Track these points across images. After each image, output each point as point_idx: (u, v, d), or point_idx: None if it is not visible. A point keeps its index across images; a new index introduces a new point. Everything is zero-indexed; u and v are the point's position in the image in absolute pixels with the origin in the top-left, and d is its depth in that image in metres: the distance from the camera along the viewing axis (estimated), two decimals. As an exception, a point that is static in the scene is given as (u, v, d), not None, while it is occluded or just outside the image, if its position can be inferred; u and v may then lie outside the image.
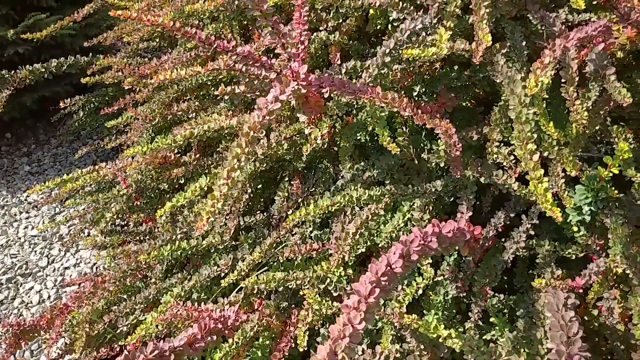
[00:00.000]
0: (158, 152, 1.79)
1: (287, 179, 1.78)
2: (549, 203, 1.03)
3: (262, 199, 1.83)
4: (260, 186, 1.83)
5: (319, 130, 1.39)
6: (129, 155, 1.58)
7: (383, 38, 1.69)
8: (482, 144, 1.50)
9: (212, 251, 1.70)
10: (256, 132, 1.11)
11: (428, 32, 1.45)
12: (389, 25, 1.68)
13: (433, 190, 1.37)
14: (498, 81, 1.34)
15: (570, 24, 1.57)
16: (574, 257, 1.35)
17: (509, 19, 1.54)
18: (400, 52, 1.39)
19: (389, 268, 1.05)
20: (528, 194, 1.35)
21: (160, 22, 1.29)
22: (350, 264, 1.47)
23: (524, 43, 1.47)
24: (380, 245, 1.42)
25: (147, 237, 2.08)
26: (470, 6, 1.45)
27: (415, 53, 1.27)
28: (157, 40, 2.24)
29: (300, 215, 1.30)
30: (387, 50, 1.37)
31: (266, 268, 1.62)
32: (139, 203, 1.90)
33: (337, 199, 1.32)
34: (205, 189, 1.49)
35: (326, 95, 1.29)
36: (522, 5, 1.57)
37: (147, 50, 2.28)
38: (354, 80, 1.46)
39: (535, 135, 1.13)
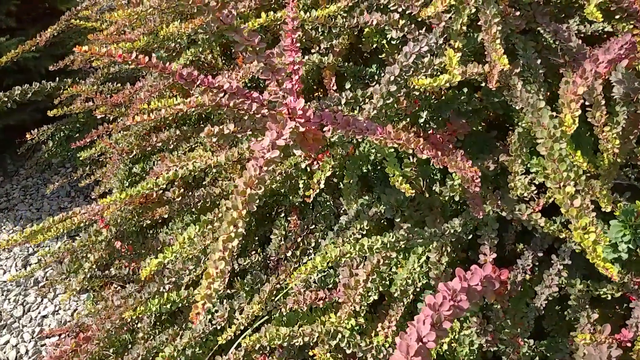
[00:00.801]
0: (138, 193, 1.61)
1: (283, 214, 1.63)
2: (600, 259, 0.90)
3: (256, 237, 1.67)
4: (253, 223, 1.67)
5: (322, 173, 1.24)
6: (105, 204, 1.41)
7: (381, 57, 1.54)
8: (499, 173, 1.36)
9: (205, 302, 1.54)
10: (254, 189, 0.95)
11: (434, 54, 1.31)
12: (385, 43, 1.54)
13: (452, 231, 1.23)
14: (517, 107, 1.20)
15: (582, 35, 1.45)
16: (609, 297, 1.22)
17: (518, 33, 1.41)
18: (406, 79, 1.24)
19: (421, 344, 0.91)
20: (557, 230, 1.22)
21: (133, 57, 1.12)
22: (361, 313, 1.33)
23: (538, 61, 1.34)
24: (395, 296, 1.28)
25: (132, 280, 1.91)
26: (479, 23, 1.31)
27: (426, 83, 1.13)
28: (121, 46, 2.05)
29: (306, 270, 1.15)
30: (392, 78, 1.22)
31: (267, 317, 1.47)
32: (119, 246, 1.73)
33: (347, 249, 1.17)
34: (195, 239, 1.33)
35: (328, 135, 1.14)
36: (530, 17, 1.44)
37: (120, 73, 2.10)
38: (356, 111, 1.31)
39: (572, 174, 1.00)
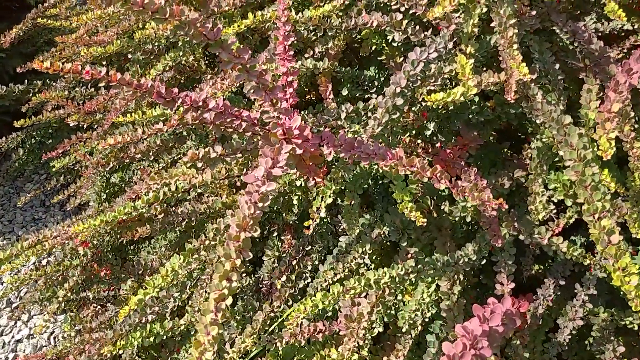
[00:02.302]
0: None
1: (276, 233, 1.49)
2: (648, 308, 0.78)
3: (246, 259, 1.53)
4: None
5: (322, 200, 1.10)
6: (78, 231, 1.26)
7: (380, 59, 1.41)
8: (514, 190, 1.25)
9: (192, 332, 1.41)
10: (249, 231, 0.82)
11: (444, 59, 1.18)
12: (385, 44, 1.40)
13: (466, 260, 1.11)
14: (538, 122, 1.08)
15: (600, 33, 1.32)
16: (636, 327, 1.12)
17: (531, 33, 1.28)
18: (414, 89, 1.11)
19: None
20: (580, 256, 1.11)
21: (103, 74, 0.97)
22: (365, 347, 1.21)
23: (556, 66, 1.21)
24: (404, 330, 1.16)
25: (112, 300, 1.77)
26: (491, 24, 1.18)
27: (440, 98, 1.00)
28: (104, 64, 1.88)
29: (306, 309, 1.02)
30: (399, 90, 1.09)
31: (261, 350, 1.34)
32: (97, 270, 1.59)
33: (351, 284, 1.04)
34: (179, 270, 1.19)
35: (329, 158, 1.00)
36: (544, 15, 1.31)
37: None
38: (357, 127, 1.17)
39: (608, 205, 0.88)
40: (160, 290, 1.16)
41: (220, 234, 1.26)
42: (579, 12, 1.39)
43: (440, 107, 1.26)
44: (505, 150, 1.31)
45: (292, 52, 1.10)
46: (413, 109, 1.20)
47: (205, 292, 1.43)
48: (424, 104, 1.16)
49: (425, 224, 1.01)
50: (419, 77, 1.10)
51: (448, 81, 1.18)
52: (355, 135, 1.16)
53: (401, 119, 1.13)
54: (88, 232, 1.41)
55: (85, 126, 1.83)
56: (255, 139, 1.08)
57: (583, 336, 1.20)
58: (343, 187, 1.11)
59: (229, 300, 0.76)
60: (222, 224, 1.27)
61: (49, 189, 2.13)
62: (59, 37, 1.64)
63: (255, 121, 1.03)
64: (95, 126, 1.83)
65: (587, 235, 1.27)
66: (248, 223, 0.83)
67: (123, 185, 1.93)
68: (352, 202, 1.19)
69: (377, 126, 1.08)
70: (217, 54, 0.83)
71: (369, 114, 1.17)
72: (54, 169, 1.93)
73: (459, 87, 1.02)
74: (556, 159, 1.17)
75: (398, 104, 1.08)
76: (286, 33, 1.11)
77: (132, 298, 1.12)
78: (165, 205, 1.59)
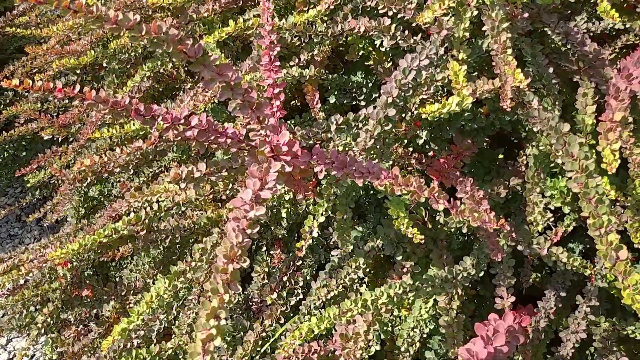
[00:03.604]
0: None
1: (264, 248, 1.44)
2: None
3: (235, 274, 1.48)
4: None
5: (315, 220, 1.05)
6: (56, 257, 1.19)
7: (367, 64, 1.36)
8: (510, 199, 1.21)
9: (180, 356, 1.35)
10: (237, 262, 0.77)
11: (435, 65, 1.13)
12: (372, 49, 1.35)
13: (465, 275, 1.07)
14: (535, 129, 1.04)
15: (592, 33, 1.29)
16: (638, 336, 1.09)
17: (522, 35, 1.24)
18: (406, 99, 1.06)
19: None
20: (581, 267, 1.08)
21: (76, 92, 0.90)
22: (362, 367, 1.16)
23: (550, 70, 1.18)
24: (402, 349, 1.12)
25: (94, 321, 1.70)
26: (483, 28, 1.14)
27: (435, 110, 0.95)
28: (78, 73, 1.80)
29: (301, 335, 0.97)
30: (390, 100, 1.04)
31: (253, 370, 1.29)
32: (77, 290, 1.51)
33: (347, 305, 1.00)
34: (165, 295, 1.13)
35: (321, 177, 0.95)
36: (535, 16, 1.27)
37: (68, 85, 1.84)
38: (348, 139, 1.12)
39: (614, 219, 0.84)
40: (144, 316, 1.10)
41: (207, 254, 1.20)
42: (569, 11, 1.36)
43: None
44: (499, 157, 1.27)
45: (277, 63, 1.05)
46: (405, 117, 1.15)
47: (193, 312, 1.37)
48: (415, 112, 1.11)
49: (422, 240, 0.96)
50: (410, 86, 1.05)
51: (440, 88, 1.13)
52: (347, 149, 1.11)
53: (393, 130, 1.08)
54: (66, 256, 1.34)
55: (60, 139, 1.76)
56: (240, 155, 1.03)
57: (584, 345, 1.17)
58: (344, 211, 1.06)
59: (218, 341, 0.70)
60: (208, 243, 1.21)
61: (24, 204, 2.04)
62: (29, 48, 1.56)
63: (241, 138, 0.98)
64: (71, 139, 1.75)
65: (584, 242, 1.24)
66: (236, 253, 0.77)
67: (102, 199, 1.85)
68: (344, 216, 1.14)
69: (369, 139, 1.03)
70: (199, 71, 0.77)
71: (360, 125, 1.12)
72: (28, 184, 1.85)
73: (454, 97, 0.98)
74: (552, 166, 1.14)
75: (390, 115, 1.03)
76: (271, 43, 1.06)
77: (115, 327, 1.06)
78: (147, 221, 1.53)
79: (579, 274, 1.12)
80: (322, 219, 1.04)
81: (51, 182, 2.05)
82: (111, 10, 0.70)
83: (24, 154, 2.15)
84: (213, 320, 0.70)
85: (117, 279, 1.88)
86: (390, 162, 1.05)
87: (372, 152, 1.05)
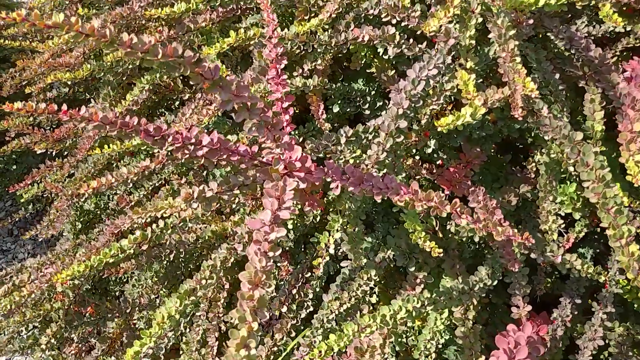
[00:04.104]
0: (98, 248, 1.37)
1: (271, 261, 1.41)
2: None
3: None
4: (237, 268, 1.46)
5: (330, 235, 1.03)
6: (61, 280, 1.15)
7: (369, 72, 1.34)
8: (521, 206, 1.21)
9: (190, 374, 1.33)
10: (263, 287, 0.75)
11: (442, 74, 1.12)
12: (375, 57, 1.34)
13: (481, 285, 1.06)
14: (547, 138, 1.04)
15: (593, 37, 1.29)
16: (653, 340, 1.10)
17: (525, 41, 1.24)
18: (416, 109, 1.05)
19: None
20: (595, 273, 1.08)
21: (82, 114, 0.87)
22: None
23: (557, 76, 1.17)
24: (418, 361, 1.11)
25: (96, 337, 1.66)
26: (489, 36, 1.13)
27: (450, 121, 0.94)
28: (70, 85, 1.76)
29: (320, 354, 0.96)
30: (401, 111, 1.03)
31: (264, 386, 1.27)
32: (80, 311, 1.48)
33: (366, 321, 0.98)
34: (175, 315, 1.10)
35: (337, 193, 0.93)
36: (537, 21, 1.27)
37: (60, 98, 1.80)
38: (358, 152, 1.11)
39: (633, 229, 0.84)
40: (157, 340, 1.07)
41: (217, 271, 1.18)
42: (569, 15, 1.36)
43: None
44: (507, 163, 1.27)
45: (285, 76, 1.03)
46: (414, 127, 1.14)
47: (201, 328, 1.35)
48: (425, 122, 1.10)
49: (441, 254, 0.95)
50: (420, 97, 1.04)
51: (449, 99, 1.12)
52: (357, 162, 1.09)
53: (404, 141, 1.07)
54: (69, 273, 1.30)
55: (54, 153, 1.71)
56: (250, 171, 1.01)
57: (599, 350, 1.17)
58: (355, 223, 1.04)
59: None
60: (217, 259, 1.19)
61: (17, 219, 1.99)
62: (19, 61, 1.52)
63: (253, 155, 0.96)
64: (66, 153, 1.71)
65: (594, 247, 1.24)
66: (261, 278, 0.75)
67: (98, 212, 1.82)
68: (356, 229, 1.13)
69: (381, 152, 1.01)
70: (216, 94, 0.75)
71: (369, 136, 1.10)
72: (22, 200, 1.80)
73: (466, 108, 0.97)
74: (561, 171, 1.14)
75: (401, 127, 1.02)
76: (278, 55, 1.04)
77: (128, 351, 1.04)
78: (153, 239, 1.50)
79: (592, 279, 1.12)
80: (338, 235, 1.02)
81: (44, 195, 2.01)
82: (124, 33, 0.68)
83: (15, 167, 2.09)
84: (243, 351, 0.68)
85: (116, 293, 1.85)
86: (404, 175, 1.03)
87: (384, 164, 1.03)
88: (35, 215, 2.19)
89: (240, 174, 1.01)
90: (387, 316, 0.99)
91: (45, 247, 2.18)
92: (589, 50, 1.18)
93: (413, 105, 1.03)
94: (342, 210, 1.04)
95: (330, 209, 1.31)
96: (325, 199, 1.31)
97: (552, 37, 1.25)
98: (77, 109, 0.87)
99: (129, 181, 1.21)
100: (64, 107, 0.88)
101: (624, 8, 1.30)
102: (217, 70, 0.73)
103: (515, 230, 0.84)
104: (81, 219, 1.80)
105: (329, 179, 0.93)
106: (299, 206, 1.26)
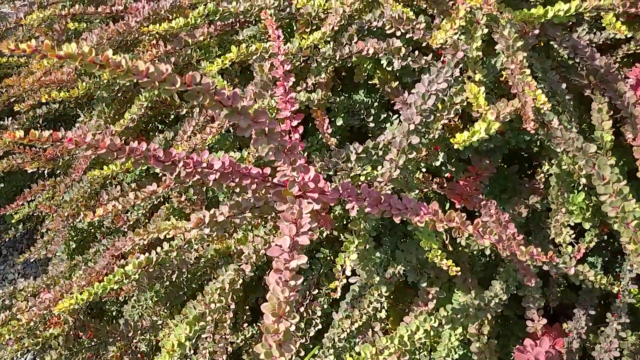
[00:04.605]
0: (99, 273, 1.32)
1: (276, 278, 1.39)
2: None
3: (247, 307, 1.43)
4: (242, 288, 1.43)
5: (347, 257, 1.01)
6: (66, 308, 1.11)
7: (371, 83, 1.33)
8: (530, 217, 1.20)
9: (199, 398, 1.29)
10: (288, 320, 0.72)
11: (450, 86, 1.11)
12: (377, 69, 1.32)
13: (497, 301, 1.05)
14: (559, 150, 1.03)
15: (594, 44, 1.29)
16: (666, 348, 1.10)
17: (529, 50, 1.23)
18: (428, 124, 1.04)
19: None
20: (609, 284, 1.08)
21: (88, 141, 0.84)
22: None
23: (564, 86, 1.17)
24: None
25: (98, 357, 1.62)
26: (495, 47, 1.13)
27: (465, 137, 0.93)
28: (61, 101, 1.70)
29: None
30: (412, 127, 1.01)
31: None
32: (80, 336, 1.43)
33: (384, 343, 0.96)
34: (186, 342, 1.07)
35: (353, 214, 0.92)
36: (540, 29, 1.26)
37: (50, 114, 1.75)
38: (369, 168, 1.09)
39: (655, 244, 0.84)
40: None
41: (226, 294, 1.15)
42: (570, 22, 1.36)
43: (449, 134, 1.20)
44: (514, 173, 1.26)
45: (293, 94, 1.00)
46: (424, 141, 1.13)
47: (207, 351, 1.32)
48: (435, 136, 1.09)
49: (459, 272, 0.94)
50: (431, 111, 1.03)
51: (458, 112, 1.11)
52: (369, 179, 1.08)
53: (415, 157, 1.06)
54: (69, 304, 1.26)
55: (46, 172, 1.66)
56: (260, 193, 0.98)
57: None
58: (366, 240, 1.02)
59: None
60: (225, 282, 1.16)
61: (7, 240, 1.93)
62: (9, 80, 1.47)
63: (267, 178, 0.93)
64: (58, 172, 1.66)
65: (602, 255, 1.24)
66: (285, 310, 0.73)
67: (92, 231, 1.77)
68: (367, 246, 1.11)
69: (394, 169, 1.00)
70: (236, 122, 0.72)
71: (380, 152, 1.08)
72: (13, 220, 1.74)
73: (480, 123, 0.96)
74: (572, 183, 1.14)
75: (414, 143, 1.01)
76: (286, 72, 1.01)
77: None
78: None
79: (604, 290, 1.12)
80: (354, 257, 1.00)
81: (34, 214, 1.95)
82: (140, 62, 0.65)
83: (2, 185, 2.03)
84: (272, 388, 0.66)
85: (113, 313, 1.80)
86: (417, 192, 1.02)
87: (397, 181, 1.02)
88: (24, 234, 2.13)
89: (255, 198, 0.98)
90: (404, 337, 0.97)
91: (36, 267, 2.12)
92: (594, 59, 1.18)
93: (424, 120, 1.02)
94: (357, 231, 1.02)
95: (336, 223, 1.30)
96: (331, 214, 1.29)
97: (555, 46, 1.25)
98: (83, 137, 0.83)
99: (135, 207, 1.17)
100: (69, 134, 0.85)
101: (625, 15, 1.30)
102: (236, 98, 0.70)
103: (539, 249, 0.83)
104: (74, 238, 1.75)
105: (344, 200, 0.91)
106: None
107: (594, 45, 1.27)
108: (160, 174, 1.28)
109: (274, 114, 1.19)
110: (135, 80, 0.73)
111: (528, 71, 1.04)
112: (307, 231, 0.83)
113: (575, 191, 1.19)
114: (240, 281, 1.19)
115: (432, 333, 0.98)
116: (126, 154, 0.84)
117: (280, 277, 0.77)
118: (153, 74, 0.66)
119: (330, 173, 1.09)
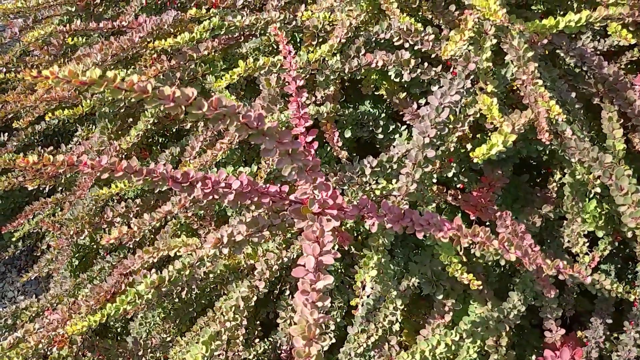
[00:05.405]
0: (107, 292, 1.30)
1: (288, 292, 1.38)
2: None
3: (257, 322, 1.41)
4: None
5: (366, 273, 1.00)
6: (77, 331, 1.09)
7: (378, 94, 1.32)
8: (543, 226, 1.20)
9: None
10: (318, 342, 0.71)
11: (463, 98, 1.11)
12: (384, 80, 1.32)
13: (515, 312, 1.05)
14: (574, 160, 1.03)
15: (599, 52, 1.30)
16: (682, 355, 1.11)
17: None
18: (443, 137, 1.04)
19: None
20: (625, 292, 1.08)
21: (104, 165, 0.82)
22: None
23: (573, 94, 1.17)
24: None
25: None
26: (506, 58, 1.13)
27: (484, 151, 0.93)
28: (59, 117, 1.67)
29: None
30: (427, 141, 1.01)
31: None
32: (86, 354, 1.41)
33: (405, 358, 0.96)
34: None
35: (374, 230, 0.91)
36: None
37: (49, 130, 1.72)
38: (384, 182, 1.08)
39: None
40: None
41: (241, 311, 1.13)
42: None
43: (462, 145, 1.20)
44: (525, 182, 1.26)
45: (307, 109, 1.00)
46: (438, 153, 1.12)
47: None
48: (451, 149, 1.09)
49: (480, 287, 0.93)
50: (445, 124, 1.03)
51: (471, 123, 1.11)
52: (384, 193, 1.07)
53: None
54: (77, 329, 1.24)
55: (47, 189, 1.64)
56: (276, 209, 0.97)
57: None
58: (384, 255, 1.02)
59: None
60: (240, 300, 1.15)
61: (6, 257, 1.90)
62: (8, 96, 1.44)
63: (284, 196, 0.92)
64: (60, 188, 1.64)
65: (616, 263, 1.25)
66: (314, 332, 0.72)
67: (95, 246, 1.74)
68: (383, 260, 1.10)
69: (411, 183, 0.99)
70: (260, 143, 0.71)
71: (394, 165, 1.08)
72: (13, 239, 1.72)
73: (496, 136, 0.95)
74: (587, 192, 1.14)
75: (429, 156, 1.00)
76: (299, 87, 1.00)
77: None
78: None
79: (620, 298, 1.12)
80: (374, 273, 1.00)
81: (34, 230, 1.92)
82: (166, 87, 0.64)
83: (0, 202, 1.99)
84: (307, 416, 0.65)
85: (118, 330, 1.77)
86: (434, 205, 1.01)
87: (414, 195, 1.01)
88: (23, 251, 2.09)
89: (271, 216, 0.97)
90: (425, 352, 0.97)
91: (36, 283, 2.09)
92: (602, 67, 1.19)
93: (439, 133, 1.02)
94: (376, 246, 1.01)
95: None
96: (342, 227, 1.29)
97: (562, 54, 1.26)
98: (99, 162, 0.82)
99: (120, 205, 1.16)
100: (84, 158, 0.83)
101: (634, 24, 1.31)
102: (262, 120, 0.69)
103: (565, 262, 0.83)
104: (77, 255, 1.72)
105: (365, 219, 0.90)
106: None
107: (598, 52, 1.28)
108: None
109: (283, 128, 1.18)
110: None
111: (540, 82, 1.04)
112: (330, 250, 0.82)
113: (587, 199, 1.19)
114: (255, 298, 1.18)
115: (452, 347, 0.97)
116: (143, 176, 0.82)
117: (307, 298, 0.76)
118: (179, 98, 0.65)
119: (345, 187, 1.08)
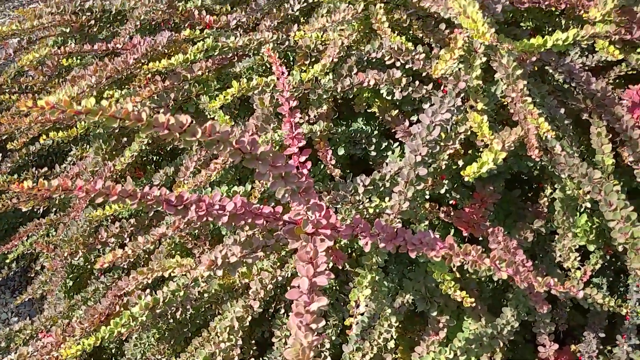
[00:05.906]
0: (102, 313, 1.30)
1: (282, 311, 1.38)
2: None
3: (252, 340, 1.41)
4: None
5: (360, 292, 1.01)
6: (73, 355, 1.08)
7: (372, 112, 1.34)
8: (535, 241, 1.21)
9: None
10: (312, 366, 0.72)
11: (453, 115, 1.12)
12: (376, 98, 1.33)
13: (509, 328, 1.05)
14: (563, 176, 1.05)
15: (587, 67, 1.32)
16: (676, 367, 1.11)
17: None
18: (435, 155, 1.05)
19: None
20: (616, 306, 1.09)
21: (99, 189, 0.83)
22: None
23: (562, 111, 1.19)
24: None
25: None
26: (495, 75, 1.14)
27: (475, 170, 0.94)
28: (53, 138, 1.68)
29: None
30: (419, 159, 1.02)
31: None
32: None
33: (400, 378, 0.96)
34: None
35: (367, 249, 0.91)
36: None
37: (44, 150, 1.72)
38: (377, 200, 1.09)
39: (667, 269, 0.85)
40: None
41: (235, 332, 1.13)
42: (563, 47, 1.39)
43: (454, 161, 1.21)
44: (517, 197, 1.27)
45: (300, 130, 1.01)
46: (430, 170, 1.14)
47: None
48: (442, 166, 1.10)
49: (473, 304, 0.94)
50: (436, 142, 1.04)
51: (463, 141, 1.12)
52: (378, 211, 1.08)
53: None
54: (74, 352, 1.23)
55: (41, 210, 1.63)
56: (270, 229, 0.98)
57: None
58: (377, 273, 1.02)
59: None
60: (234, 320, 1.15)
61: (0, 279, 1.89)
62: (3, 119, 1.45)
63: (278, 216, 0.93)
64: (54, 209, 1.64)
65: (607, 276, 1.26)
66: (309, 355, 0.72)
67: (89, 267, 1.73)
68: (377, 278, 1.11)
69: (403, 201, 1.00)
70: (254, 167, 0.72)
71: (387, 183, 1.09)
72: (7, 260, 1.71)
73: (487, 154, 0.97)
74: (576, 206, 1.15)
75: (421, 174, 1.01)
76: (292, 108, 1.01)
77: None
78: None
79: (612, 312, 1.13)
80: (368, 292, 1.00)
81: (28, 251, 1.91)
82: (160, 114, 0.65)
83: (-7, 223, 1.99)
84: None
85: (112, 350, 1.76)
86: (426, 222, 1.02)
87: (406, 213, 1.02)
88: (16, 272, 2.08)
89: (265, 237, 0.98)
90: (423, 370, 0.97)
91: (30, 305, 2.07)
92: (590, 83, 1.21)
93: (430, 151, 1.03)
94: (369, 265, 1.01)
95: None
96: (336, 245, 1.29)
97: (550, 70, 1.28)
98: (94, 185, 0.82)
99: (115, 225, 1.16)
100: (79, 182, 0.84)
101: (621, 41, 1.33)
102: (255, 145, 0.70)
103: (556, 279, 0.84)
104: (71, 276, 1.72)
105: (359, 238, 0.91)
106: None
107: (587, 68, 1.30)
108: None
109: (277, 148, 1.19)
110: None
111: (529, 99, 1.06)
112: (324, 271, 0.83)
113: (578, 214, 1.20)
114: (249, 318, 1.18)
115: (448, 365, 0.98)
116: (138, 200, 0.83)
117: (301, 320, 0.77)
118: (173, 125, 0.65)
119: (339, 206, 1.09)
